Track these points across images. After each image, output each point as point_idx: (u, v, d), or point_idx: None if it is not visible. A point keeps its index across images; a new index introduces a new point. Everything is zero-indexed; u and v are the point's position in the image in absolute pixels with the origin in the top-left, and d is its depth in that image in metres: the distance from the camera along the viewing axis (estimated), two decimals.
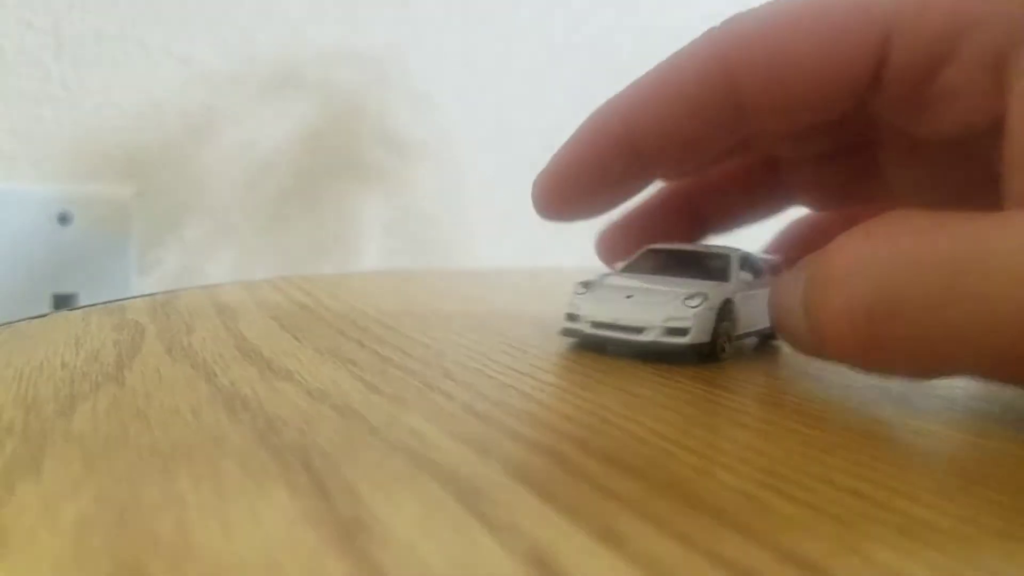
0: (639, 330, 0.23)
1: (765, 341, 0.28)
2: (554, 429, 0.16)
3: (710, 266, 0.26)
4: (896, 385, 0.22)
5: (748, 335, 0.26)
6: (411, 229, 0.80)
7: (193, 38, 0.69)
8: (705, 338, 0.23)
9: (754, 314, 0.25)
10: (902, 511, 0.13)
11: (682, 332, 0.23)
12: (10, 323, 0.25)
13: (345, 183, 0.77)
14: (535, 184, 0.26)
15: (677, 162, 0.25)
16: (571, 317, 0.25)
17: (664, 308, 0.23)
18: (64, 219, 0.60)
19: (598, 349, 0.25)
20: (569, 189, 0.25)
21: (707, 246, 0.27)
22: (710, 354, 0.23)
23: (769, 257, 0.29)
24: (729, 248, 0.27)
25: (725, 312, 0.24)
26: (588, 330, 0.24)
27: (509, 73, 0.82)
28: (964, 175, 0.24)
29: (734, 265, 0.26)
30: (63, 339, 0.23)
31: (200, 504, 0.12)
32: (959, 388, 0.22)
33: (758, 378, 0.22)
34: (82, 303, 0.60)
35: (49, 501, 0.12)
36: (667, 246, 0.27)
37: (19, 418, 0.15)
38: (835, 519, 0.12)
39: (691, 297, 0.23)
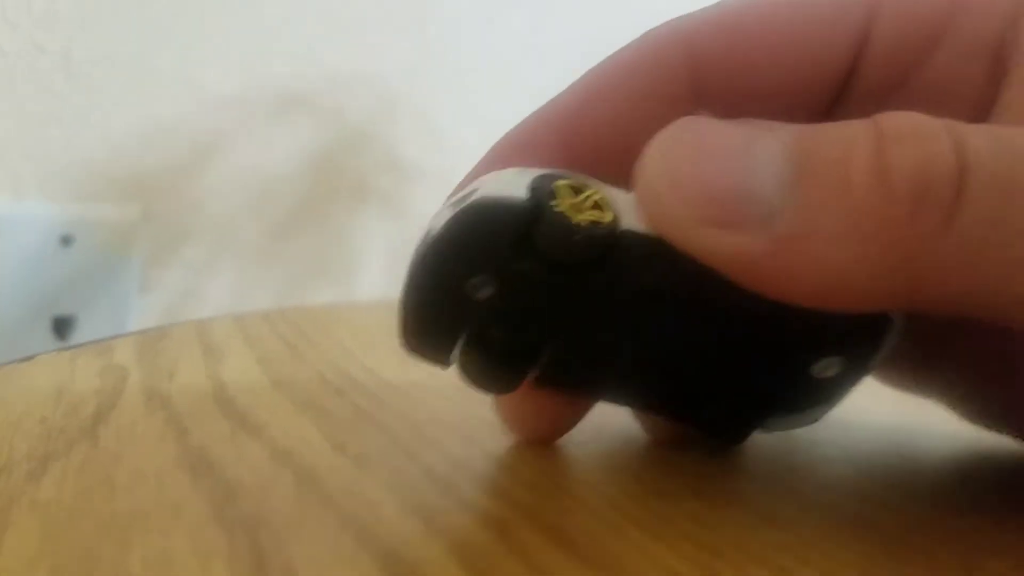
0: None
1: None
2: (506, 497, 0.16)
3: None
4: (825, 440, 0.22)
5: None
6: None
7: (201, 62, 0.70)
8: None
9: None
10: None
11: None
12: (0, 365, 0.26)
13: (350, 207, 0.78)
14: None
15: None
16: None
17: None
18: (66, 241, 0.61)
19: None
20: None
21: None
22: None
23: None
24: None
25: None
26: None
27: (517, 100, 0.83)
28: None
29: None
30: (47, 387, 0.23)
31: None
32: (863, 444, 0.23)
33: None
34: (82, 325, 0.61)
35: None
36: None
37: None
38: None
39: None
